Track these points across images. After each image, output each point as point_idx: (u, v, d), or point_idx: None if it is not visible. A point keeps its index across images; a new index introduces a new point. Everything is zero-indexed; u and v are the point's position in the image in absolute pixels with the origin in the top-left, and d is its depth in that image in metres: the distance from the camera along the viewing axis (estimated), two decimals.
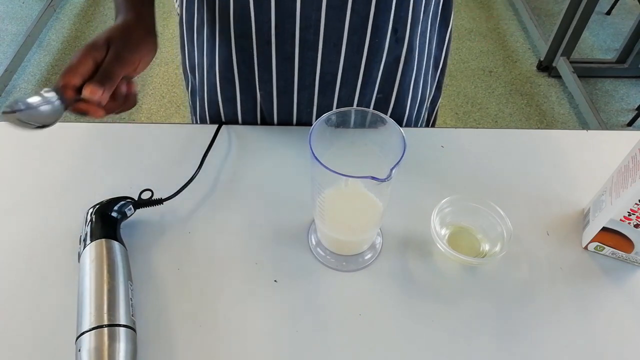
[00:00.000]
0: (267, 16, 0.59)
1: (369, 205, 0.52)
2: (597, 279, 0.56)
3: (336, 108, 0.62)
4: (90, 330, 0.45)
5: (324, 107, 0.69)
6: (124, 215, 0.57)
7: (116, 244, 0.52)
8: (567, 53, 2.10)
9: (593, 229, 0.57)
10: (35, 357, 0.49)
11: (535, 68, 2.23)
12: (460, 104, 2.06)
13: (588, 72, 2.17)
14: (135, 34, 0.56)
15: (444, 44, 0.74)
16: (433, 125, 0.86)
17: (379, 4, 0.58)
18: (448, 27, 0.73)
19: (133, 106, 0.58)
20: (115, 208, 0.56)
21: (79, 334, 0.46)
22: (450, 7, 0.70)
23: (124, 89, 0.55)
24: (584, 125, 1.96)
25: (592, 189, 0.62)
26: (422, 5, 0.63)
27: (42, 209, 0.60)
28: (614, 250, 0.57)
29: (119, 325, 0.46)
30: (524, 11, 2.41)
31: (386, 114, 0.72)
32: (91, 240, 0.51)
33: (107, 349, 0.44)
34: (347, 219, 0.55)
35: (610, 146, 0.70)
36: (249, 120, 0.74)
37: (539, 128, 1.83)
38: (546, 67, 2.19)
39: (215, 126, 0.69)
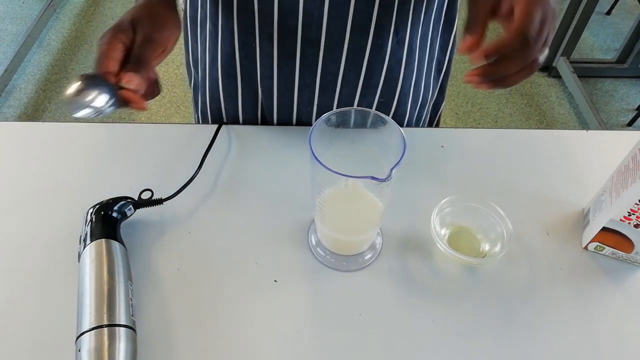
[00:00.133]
0: (270, 11, 0.59)
1: (369, 205, 0.52)
2: (597, 279, 0.56)
3: (337, 108, 0.62)
4: (90, 330, 0.45)
5: (324, 107, 0.69)
6: (124, 215, 0.57)
7: (116, 244, 0.52)
8: (567, 53, 2.10)
9: (593, 229, 0.57)
10: (35, 357, 0.49)
11: None
12: (460, 104, 2.06)
13: (588, 72, 2.17)
14: (160, 12, 0.54)
15: (447, 48, 0.74)
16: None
17: (381, 4, 0.58)
18: (452, 31, 0.73)
19: (159, 93, 0.56)
20: (115, 208, 0.56)
21: (79, 334, 0.46)
22: (454, 12, 0.70)
23: (152, 74, 0.53)
24: (584, 125, 1.96)
25: (592, 189, 0.62)
26: (422, 7, 0.63)
27: (42, 209, 0.60)
28: (614, 250, 0.57)
29: (119, 325, 0.46)
30: None
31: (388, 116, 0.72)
32: (91, 240, 0.51)
33: (107, 349, 0.44)
34: (347, 219, 0.55)
35: (610, 146, 0.70)
36: (250, 116, 0.74)
37: (539, 128, 1.83)
38: (546, 67, 2.19)
39: (215, 126, 0.69)
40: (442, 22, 0.70)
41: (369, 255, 0.57)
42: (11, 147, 0.67)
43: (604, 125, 1.88)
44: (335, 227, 0.53)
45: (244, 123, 0.75)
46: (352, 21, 0.59)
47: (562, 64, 2.11)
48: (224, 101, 0.73)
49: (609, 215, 0.54)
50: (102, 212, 0.55)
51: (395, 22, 0.61)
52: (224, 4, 0.62)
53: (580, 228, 0.61)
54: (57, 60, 2.17)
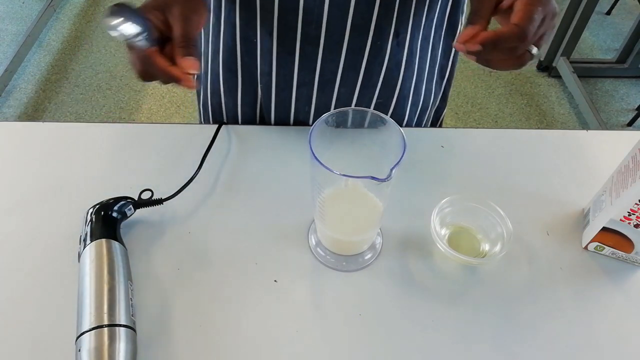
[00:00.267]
0: (270, 7, 0.59)
1: (369, 205, 0.52)
2: (597, 279, 0.56)
3: (334, 108, 0.62)
4: (90, 330, 0.45)
5: (322, 105, 0.69)
6: (124, 215, 0.57)
7: (116, 244, 0.52)
8: (567, 53, 2.10)
9: (593, 229, 0.57)
10: (35, 357, 0.49)
11: (535, 68, 2.23)
12: (460, 104, 2.06)
13: (588, 72, 2.17)
14: None
15: (450, 54, 0.74)
16: None
17: (382, 5, 0.58)
18: (455, 36, 0.72)
19: None
20: (115, 208, 0.56)
21: (79, 334, 0.46)
22: (457, 17, 0.70)
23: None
24: (584, 125, 1.96)
25: (592, 189, 0.62)
26: (424, 9, 0.62)
27: (42, 209, 0.60)
28: (614, 250, 0.57)
29: (119, 325, 0.46)
30: None
31: None
32: (91, 240, 0.51)
33: (107, 349, 0.44)
34: (347, 219, 0.55)
35: (610, 146, 0.70)
36: (248, 113, 0.74)
37: (539, 128, 1.83)
38: (546, 67, 2.19)
39: (215, 126, 0.69)
40: (444, 26, 0.69)
41: (369, 255, 0.57)
42: (11, 147, 0.67)
43: (604, 125, 1.88)
44: (335, 227, 0.53)
45: (243, 119, 0.75)
46: (352, 21, 0.59)
47: (562, 64, 2.11)
48: (224, 95, 0.73)
49: (609, 215, 0.54)
50: (102, 212, 0.55)
51: (395, 23, 0.61)
52: None
53: (580, 228, 0.61)
54: (57, 60, 2.17)
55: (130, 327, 0.47)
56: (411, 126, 0.76)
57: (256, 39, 0.64)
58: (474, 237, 0.58)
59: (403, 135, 0.46)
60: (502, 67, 0.49)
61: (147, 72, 0.48)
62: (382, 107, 0.71)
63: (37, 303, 0.52)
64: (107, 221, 0.54)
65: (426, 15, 0.64)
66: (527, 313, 0.53)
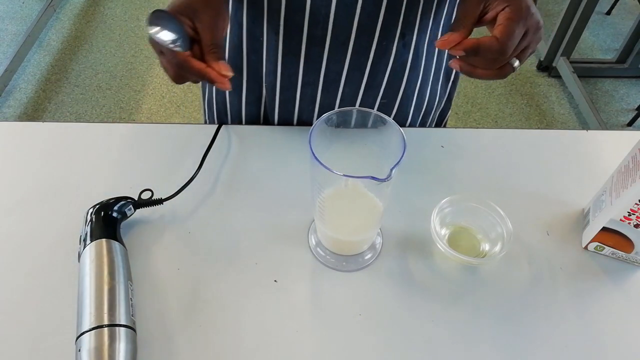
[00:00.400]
0: (277, 6, 0.59)
1: (369, 205, 0.52)
2: (597, 279, 0.56)
3: (338, 108, 0.62)
4: (90, 330, 0.45)
5: (326, 106, 0.69)
6: (124, 215, 0.57)
7: (116, 244, 0.52)
8: (567, 53, 2.10)
9: (593, 229, 0.57)
10: (35, 357, 0.49)
11: (535, 68, 2.23)
12: (460, 104, 2.06)
13: (588, 72, 2.17)
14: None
15: (456, 57, 0.74)
16: None
17: (389, 6, 0.58)
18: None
19: None
20: (115, 208, 0.56)
21: (79, 334, 0.46)
22: None
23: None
24: (584, 125, 1.96)
25: (592, 189, 0.62)
26: (431, 12, 0.62)
27: (42, 209, 0.60)
28: (614, 250, 0.57)
29: (119, 325, 0.46)
30: None
31: None
32: (91, 240, 0.51)
33: (107, 349, 0.44)
34: (347, 219, 0.55)
35: (610, 146, 0.70)
36: (252, 112, 0.74)
37: (539, 128, 1.83)
38: (546, 67, 2.19)
39: (215, 126, 0.69)
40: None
41: (369, 255, 0.57)
42: (11, 147, 0.67)
43: (604, 125, 1.88)
44: (335, 227, 0.53)
45: (247, 118, 0.75)
46: (359, 21, 0.59)
47: (562, 64, 2.11)
48: (229, 94, 0.74)
49: (609, 215, 0.54)
50: (102, 212, 0.55)
51: (402, 25, 0.61)
52: None
53: (580, 228, 0.61)
54: (57, 60, 2.17)
55: (130, 327, 0.47)
56: (414, 127, 0.76)
57: (262, 37, 0.64)
58: (474, 237, 0.58)
59: (403, 136, 0.46)
60: (483, 77, 0.52)
61: (182, 76, 0.51)
62: (385, 107, 0.71)
63: (37, 303, 0.52)
64: (107, 221, 0.54)
65: (433, 18, 0.64)
66: (527, 313, 0.53)
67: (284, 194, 0.63)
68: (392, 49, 0.63)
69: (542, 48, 2.19)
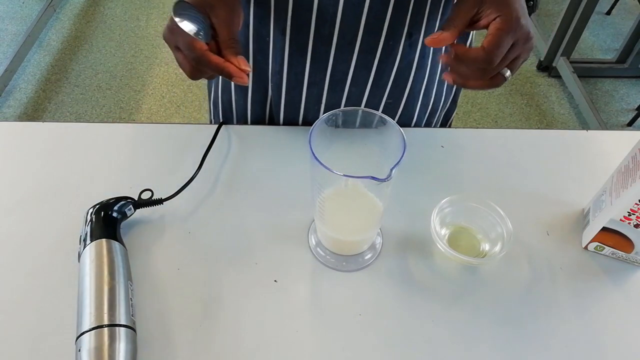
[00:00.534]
0: (285, 5, 0.59)
1: (369, 205, 0.52)
2: (597, 279, 0.56)
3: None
4: (90, 330, 0.45)
5: (331, 106, 0.69)
6: (124, 215, 0.57)
7: (116, 244, 0.52)
8: (567, 53, 2.10)
9: (593, 229, 0.57)
10: (35, 357, 0.49)
11: (535, 68, 2.23)
12: (460, 104, 2.05)
13: (588, 72, 2.17)
14: None
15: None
16: None
17: (396, 5, 0.58)
18: (468, 40, 0.72)
19: None
20: (115, 208, 0.56)
21: (79, 334, 0.46)
22: None
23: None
24: (584, 125, 1.96)
25: (592, 189, 0.62)
26: (438, 12, 0.62)
27: (42, 209, 0.60)
28: (614, 250, 0.57)
29: (119, 325, 0.46)
30: None
31: (394, 118, 0.72)
32: (91, 240, 0.51)
33: (107, 349, 0.44)
34: (347, 219, 0.55)
35: (610, 146, 0.70)
36: (258, 112, 0.74)
37: (539, 128, 1.83)
38: (546, 67, 2.19)
39: (215, 126, 0.69)
40: None
41: (369, 255, 0.57)
42: (11, 147, 0.67)
43: (604, 125, 1.88)
44: (335, 227, 0.53)
45: (252, 118, 0.75)
46: (366, 20, 0.59)
47: (562, 64, 2.11)
48: (235, 93, 0.74)
49: (609, 215, 0.54)
50: (102, 212, 0.55)
51: (409, 24, 0.61)
52: None
53: (580, 228, 0.61)
54: (57, 60, 2.17)
55: (130, 327, 0.47)
56: (420, 127, 0.76)
57: (269, 37, 0.64)
58: (474, 237, 0.58)
59: (403, 135, 0.46)
60: (475, 88, 0.52)
61: (199, 70, 0.51)
62: (391, 107, 0.71)
63: (37, 303, 0.52)
64: (107, 221, 0.54)
65: (440, 18, 0.64)
66: (527, 313, 0.53)
67: (284, 194, 0.63)
68: (398, 49, 0.63)
69: (542, 48, 2.19)
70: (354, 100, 0.68)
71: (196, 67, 0.51)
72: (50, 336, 0.50)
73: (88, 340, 0.45)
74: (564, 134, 0.72)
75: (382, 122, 0.49)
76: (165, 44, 0.54)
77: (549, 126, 2.00)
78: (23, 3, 2.44)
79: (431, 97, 0.73)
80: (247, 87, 0.72)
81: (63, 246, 0.56)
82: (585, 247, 0.58)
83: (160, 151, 0.67)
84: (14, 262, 0.55)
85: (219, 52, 0.51)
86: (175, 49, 0.51)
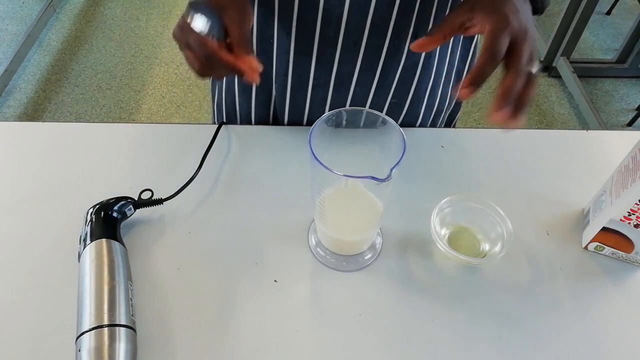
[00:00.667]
0: (290, 6, 0.59)
1: (369, 205, 0.52)
2: (597, 279, 0.56)
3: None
4: (90, 330, 0.45)
5: (336, 106, 0.68)
6: (124, 215, 0.57)
7: (116, 244, 0.52)
8: (567, 53, 2.10)
9: (593, 229, 0.57)
10: (35, 357, 0.49)
11: None
12: None
13: (588, 72, 2.17)
14: None
15: (467, 58, 0.74)
16: None
17: (402, 6, 0.58)
18: (473, 40, 0.72)
19: None
20: (115, 208, 0.56)
21: (79, 334, 0.46)
22: None
23: None
24: (584, 125, 1.96)
25: (592, 189, 0.62)
26: (445, 12, 0.62)
27: (42, 209, 0.60)
28: (614, 250, 0.57)
29: (119, 325, 0.46)
30: None
31: (399, 118, 0.72)
32: (91, 240, 0.51)
33: (107, 349, 0.44)
34: (347, 219, 0.55)
35: (610, 146, 0.70)
36: (262, 113, 0.74)
37: (539, 128, 1.83)
38: (546, 67, 2.19)
39: (215, 126, 0.69)
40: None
41: (369, 255, 0.57)
42: (11, 147, 0.67)
43: (604, 125, 1.88)
44: (335, 227, 0.53)
45: (256, 119, 0.75)
46: (371, 21, 0.59)
47: (562, 64, 2.11)
48: (239, 96, 0.73)
49: (609, 215, 0.54)
50: (102, 212, 0.55)
51: (414, 25, 0.61)
52: None
53: (580, 228, 0.61)
54: (57, 60, 2.17)
55: (130, 327, 0.47)
56: (425, 127, 0.76)
57: (273, 39, 0.64)
58: (474, 237, 0.58)
59: (403, 135, 0.46)
60: (525, 97, 0.50)
61: (209, 67, 0.50)
62: (396, 107, 0.70)
63: (37, 303, 0.52)
64: (107, 221, 0.54)
65: None
66: (527, 313, 0.53)
67: (284, 194, 0.63)
68: (404, 49, 0.63)
69: (542, 48, 2.19)
70: (359, 100, 0.68)
71: (206, 65, 0.50)
72: (50, 336, 0.50)
73: (88, 340, 0.45)
74: (564, 134, 0.72)
75: (383, 122, 0.49)
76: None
77: (549, 126, 2.00)
78: (23, 3, 2.44)
79: (437, 97, 0.73)
80: (251, 89, 0.72)
81: (63, 246, 0.56)
82: (585, 247, 0.58)
83: (160, 151, 0.67)
84: (14, 262, 0.55)
85: (229, 53, 0.51)
86: (185, 46, 0.50)
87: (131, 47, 2.24)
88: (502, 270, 0.56)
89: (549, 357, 0.50)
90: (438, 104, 0.75)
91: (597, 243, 0.57)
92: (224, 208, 0.61)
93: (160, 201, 0.59)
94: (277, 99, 0.71)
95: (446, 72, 0.72)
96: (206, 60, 0.49)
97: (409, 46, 0.63)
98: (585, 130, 0.73)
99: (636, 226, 0.53)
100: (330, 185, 0.48)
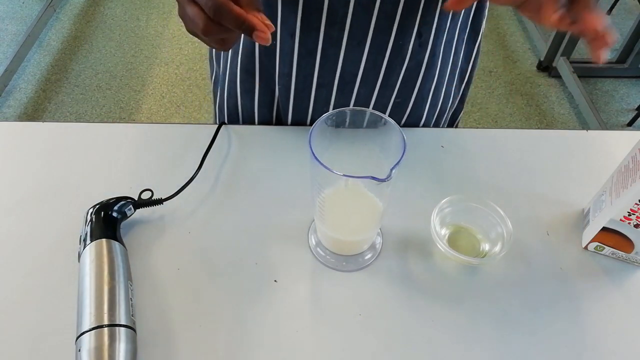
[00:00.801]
0: (294, 7, 0.59)
1: (369, 205, 0.52)
2: (597, 279, 0.56)
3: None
4: (90, 330, 0.45)
5: (339, 106, 0.68)
6: (124, 215, 0.57)
7: (116, 244, 0.52)
8: (567, 53, 2.10)
9: (593, 229, 0.57)
10: (35, 357, 0.49)
11: (535, 68, 2.23)
12: None
13: (588, 72, 2.17)
14: None
15: (471, 57, 0.74)
16: None
17: (407, 5, 0.58)
18: (477, 40, 0.72)
19: None
20: (115, 208, 0.56)
21: (79, 334, 0.46)
22: (480, 21, 0.70)
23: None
24: (584, 125, 1.96)
25: (592, 189, 0.62)
26: (449, 13, 0.62)
27: (42, 209, 0.60)
28: (614, 250, 0.57)
29: (119, 325, 0.46)
30: None
31: (402, 118, 0.72)
32: (91, 240, 0.51)
33: (107, 349, 0.44)
34: (347, 219, 0.55)
35: (610, 146, 0.70)
36: (265, 114, 0.74)
37: (539, 128, 1.83)
38: (546, 67, 2.20)
39: (215, 126, 0.69)
40: (467, 30, 0.69)
41: (369, 255, 0.57)
42: (11, 147, 0.67)
43: (604, 125, 1.88)
44: (335, 227, 0.53)
45: (260, 120, 0.75)
46: (376, 21, 0.59)
47: (562, 64, 2.11)
48: (241, 97, 0.73)
49: (609, 215, 0.54)
50: (102, 212, 0.55)
51: (419, 24, 0.61)
52: None
53: (580, 228, 0.61)
54: (57, 60, 2.17)
55: (130, 327, 0.47)
56: (428, 127, 0.76)
57: (275, 40, 0.64)
58: (474, 237, 0.58)
59: (403, 135, 0.46)
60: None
61: (215, 24, 0.44)
62: (400, 106, 0.70)
63: (37, 303, 0.52)
64: (107, 221, 0.54)
65: (451, 19, 0.64)
66: (527, 313, 0.53)
67: (284, 194, 0.63)
68: (408, 48, 0.63)
69: (542, 48, 2.19)
70: (363, 100, 0.68)
71: (213, 20, 0.43)
72: (50, 336, 0.50)
73: (88, 340, 0.45)
74: (564, 134, 0.72)
75: (382, 121, 0.49)
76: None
77: (549, 126, 2.00)
78: (23, 3, 2.44)
79: (440, 97, 0.73)
80: (253, 91, 0.71)
81: (63, 246, 0.56)
82: (585, 247, 0.58)
83: (160, 151, 0.67)
84: (14, 262, 0.55)
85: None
86: (190, 1, 0.44)
87: (131, 47, 2.24)
88: (502, 270, 0.56)
89: (549, 357, 0.50)
90: (442, 104, 0.75)
91: (597, 243, 0.57)
92: (224, 208, 0.61)
93: (160, 201, 0.59)
94: (280, 99, 0.71)
95: (450, 72, 0.72)
96: (214, 12, 0.43)
97: (413, 45, 0.63)
98: (585, 130, 0.73)
99: (636, 226, 0.53)
100: (330, 185, 0.48)
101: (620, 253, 0.57)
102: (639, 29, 2.04)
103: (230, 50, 0.70)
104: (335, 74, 0.65)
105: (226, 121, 0.79)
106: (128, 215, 0.57)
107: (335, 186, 0.49)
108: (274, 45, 0.65)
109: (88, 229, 0.53)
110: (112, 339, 0.45)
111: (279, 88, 0.69)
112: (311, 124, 0.71)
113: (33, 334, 0.50)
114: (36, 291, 0.53)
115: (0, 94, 1.99)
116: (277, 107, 0.73)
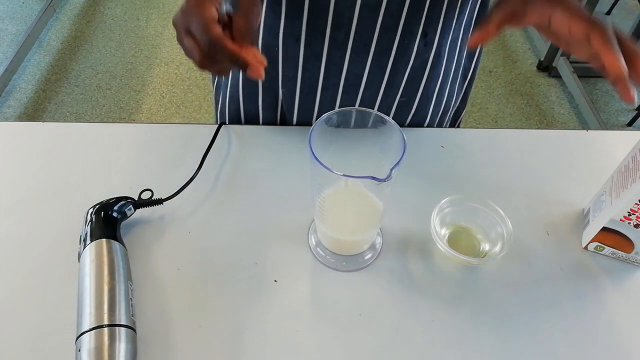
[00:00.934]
0: (299, 11, 0.59)
1: (369, 205, 0.52)
2: (597, 279, 0.56)
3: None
4: (90, 330, 0.45)
5: (345, 107, 0.69)
6: (124, 215, 0.57)
7: (116, 244, 0.52)
8: (567, 53, 2.10)
9: (593, 229, 0.57)
10: (35, 357, 0.49)
11: (535, 68, 2.23)
12: None
13: (588, 72, 2.17)
14: None
15: (474, 56, 0.74)
16: None
17: (412, 4, 0.58)
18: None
19: None
20: (115, 208, 0.56)
21: (79, 334, 0.46)
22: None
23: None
24: (584, 125, 1.96)
25: (592, 189, 0.62)
26: (455, 12, 0.62)
27: (42, 209, 0.60)
28: (614, 250, 0.57)
29: (119, 325, 0.46)
30: None
31: (407, 117, 0.72)
32: (91, 240, 0.51)
33: (107, 349, 0.44)
34: (347, 219, 0.55)
35: (610, 146, 0.70)
36: (269, 117, 0.74)
37: (539, 128, 1.83)
38: (546, 67, 2.19)
39: (215, 126, 0.69)
40: (471, 29, 0.69)
41: (369, 255, 0.57)
42: (11, 147, 0.67)
43: (604, 125, 1.88)
44: (335, 227, 0.53)
45: (264, 122, 0.75)
46: (382, 22, 0.59)
47: (562, 64, 2.11)
48: (244, 101, 0.73)
49: (609, 215, 0.54)
50: (102, 212, 0.55)
51: (424, 23, 0.60)
52: None
53: (580, 228, 0.61)
54: (57, 60, 2.17)
55: (130, 327, 0.47)
56: (432, 126, 0.76)
57: (278, 47, 0.64)
58: (474, 237, 0.58)
59: (403, 136, 0.46)
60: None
61: (210, 57, 0.45)
62: (405, 106, 0.70)
63: (37, 303, 0.52)
64: (107, 221, 0.54)
65: (456, 18, 0.64)
66: (527, 313, 0.53)
67: (284, 194, 0.63)
68: (413, 47, 0.63)
69: (542, 48, 2.19)
70: (368, 101, 0.68)
71: (208, 54, 0.45)
72: (50, 336, 0.50)
73: (88, 340, 0.45)
74: (564, 134, 0.72)
75: (382, 121, 0.49)
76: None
77: (549, 126, 2.00)
78: (23, 3, 2.44)
79: (444, 96, 0.73)
80: (256, 95, 0.71)
81: (63, 246, 0.56)
82: (585, 247, 0.58)
83: (160, 151, 0.67)
84: (14, 262, 0.55)
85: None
86: (186, 33, 0.46)
87: (131, 47, 2.24)
88: (502, 270, 0.56)
89: (549, 357, 0.50)
90: (445, 103, 0.75)
91: (597, 243, 0.57)
92: (224, 208, 0.61)
93: (160, 201, 0.59)
94: (285, 102, 0.70)
95: (454, 71, 0.72)
96: (208, 48, 0.44)
97: (418, 45, 0.63)
98: (585, 130, 0.73)
99: (636, 226, 0.53)
100: (330, 185, 0.48)
101: (620, 253, 0.57)
102: (639, 29, 2.04)
103: None
104: (340, 76, 0.65)
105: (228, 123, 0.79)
106: (128, 215, 0.57)
107: (335, 186, 0.49)
108: (275, 52, 0.64)
109: (88, 229, 0.53)
110: (112, 339, 0.45)
111: (282, 91, 0.69)
112: None
113: (33, 334, 0.50)
114: (36, 291, 0.53)
115: (0, 94, 1.99)
116: (281, 109, 0.73)
